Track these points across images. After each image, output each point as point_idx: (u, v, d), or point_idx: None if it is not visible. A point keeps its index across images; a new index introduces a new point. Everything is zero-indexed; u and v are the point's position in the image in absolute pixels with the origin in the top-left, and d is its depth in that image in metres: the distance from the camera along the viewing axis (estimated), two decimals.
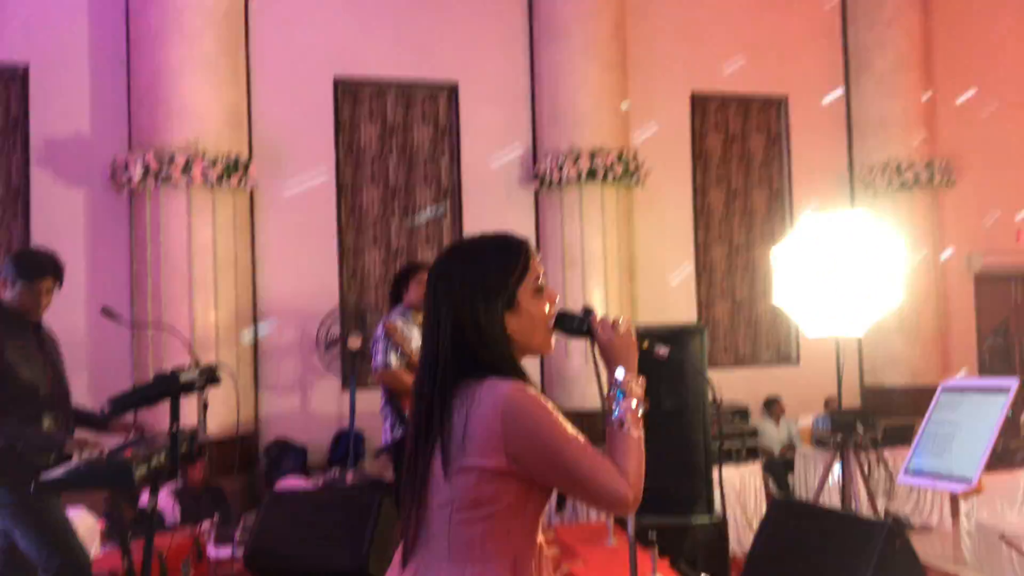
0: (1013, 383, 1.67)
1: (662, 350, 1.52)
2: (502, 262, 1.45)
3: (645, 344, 1.50)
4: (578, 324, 1.49)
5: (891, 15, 8.33)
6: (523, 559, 1.39)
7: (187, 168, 6.06)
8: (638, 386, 1.44)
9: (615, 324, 1.48)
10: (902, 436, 6.70)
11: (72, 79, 6.60)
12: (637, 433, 1.40)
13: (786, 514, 3.37)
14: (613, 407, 1.42)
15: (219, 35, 6.39)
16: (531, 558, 1.41)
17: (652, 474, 3.52)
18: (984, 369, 9.10)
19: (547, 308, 1.48)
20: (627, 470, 1.36)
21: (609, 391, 1.45)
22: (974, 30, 9.09)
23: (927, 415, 1.86)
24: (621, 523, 4.23)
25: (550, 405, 1.38)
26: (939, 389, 1.91)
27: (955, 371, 8.50)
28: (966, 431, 1.70)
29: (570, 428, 1.37)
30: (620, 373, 1.45)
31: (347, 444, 6.18)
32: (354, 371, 6.21)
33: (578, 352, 6.97)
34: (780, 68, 8.50)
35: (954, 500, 6.34)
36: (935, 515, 6.56)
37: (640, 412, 1.42)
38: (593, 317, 1.49)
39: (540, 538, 1.46)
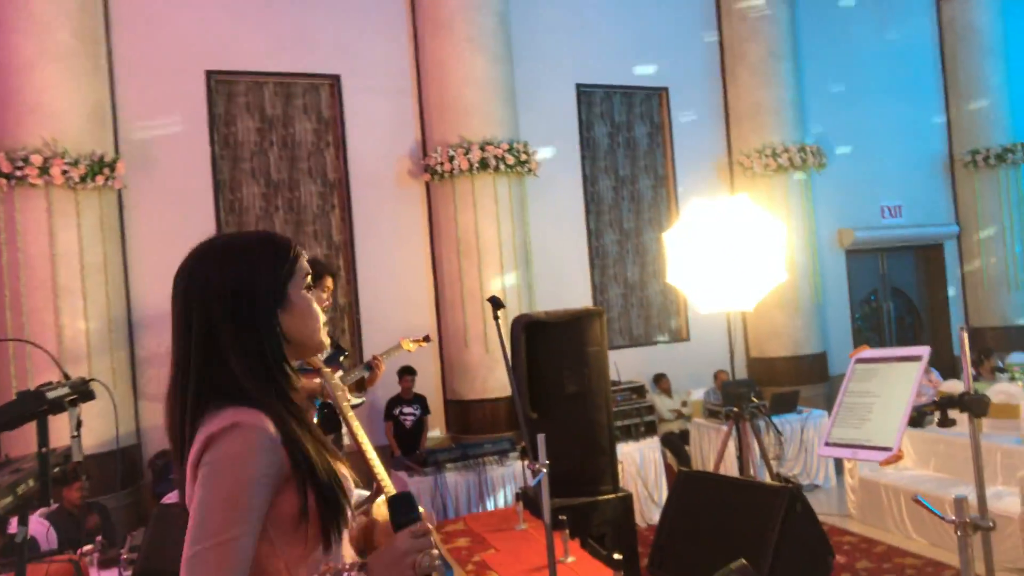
0: (925, 351, 1.74)
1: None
2: (271, 260, 1.32)
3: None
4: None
5: (763, 9, 8.72)
6: None
7: (45, 168, 5.59)
8: None
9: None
10: (788, 403, 7.09)
11: None
12: None
13: (692, 484, 3.45)
14: None
15: (75, 26, 5.91)
16: None
17: (560, 457, 3.51)
18: (858, 337, 9.74)
19: (318, 305, 1.38)
20: None
21: None
22: (837, 25, 9.71)
23: (843, 387, 1.90)
24: (530, 507, 4.22)
25: (261, 464, 1.18)
26: (852, 361, 1.96)
27: (832, 341, 9.05)
28: (883, 400, 1.74)
29: (244, 510, 1.17)
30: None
31: None
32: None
33: (477, 342, 6.93)
34: (660, 60, 8.75)
35: (839, 460, 6.75)
36: (821, 475, 6.97)
37: None
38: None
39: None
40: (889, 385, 1.77)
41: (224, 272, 1.30)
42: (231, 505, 1.17)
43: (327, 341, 1.40)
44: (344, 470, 1.36)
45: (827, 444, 1.84)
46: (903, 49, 10.15)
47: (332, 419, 3.05)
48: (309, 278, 1.36)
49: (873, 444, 1.72)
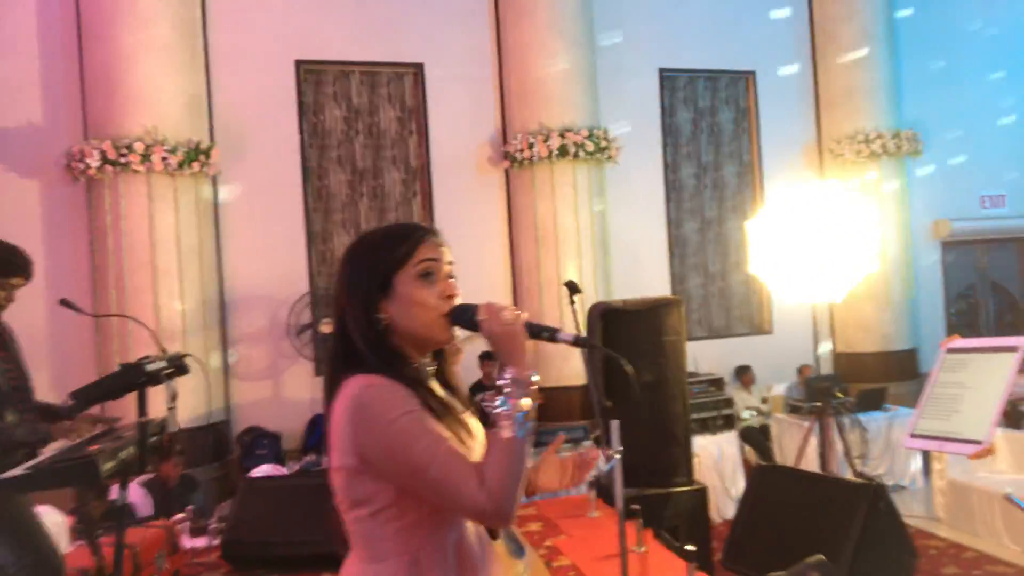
0: (1022, 341, 1.64)
1: (566, 337, 1.35)
2: (384, 248, 1.39)
3: (545, 335, 1.35)
4: (469, 316, 1.36)
5: None
6: (427, 560, 1.30)
7: (146, 156, 5.90)
8: (521, 386, 1.28)
9: (499, 314, 1.33)
10: (875, 401, 6.82)
11: (21, 68, 6.37)
12: (509, 434, 1.25)
13: (770, 479, 3.37)
14: (494, 405, 1.29)
15: (174, 19, 6.19)
16: (439, 559, 1.31)
17: (634, 446, 3.50)
18: (952, 334, 9.26)
19: (434, 296, 1.37)
20: (488, 477, 1.23)
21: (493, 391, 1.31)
22: (936, 1, 9.19)
23: (931, 377, 1.82)
24: (603, 495, 4.22)
25: (409, 402, 1.28)
26: (943, 350, 1.87)
27: (924, 337, 8.64)
28: (974, 391, 1.66)
29: (430, 426, 1.27)
30: (505, 373, 1.30)
31: (322, 430, 6.08)
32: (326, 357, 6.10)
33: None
34: (746, 42, 8.50)
35: (927, 460, 6.46)
36: (907, 475, 6.69)
37: (519, 414, 1.26)
38: (479, 308, 1.36)
39: (468, 537, 1.36)
40: (981, 376, 1.68)
41: (350, 259, 1.42)
42: (418, 428, 1.26)
43: (444, 336, 1.40)
44: (469, 441, 1.38)
45: (912, 436, 1.77)
46: (1009, 26, 9.52)
47: None
48: (430, 266, 1.38)
49: (962, 437, 1.64)
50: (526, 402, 1.28)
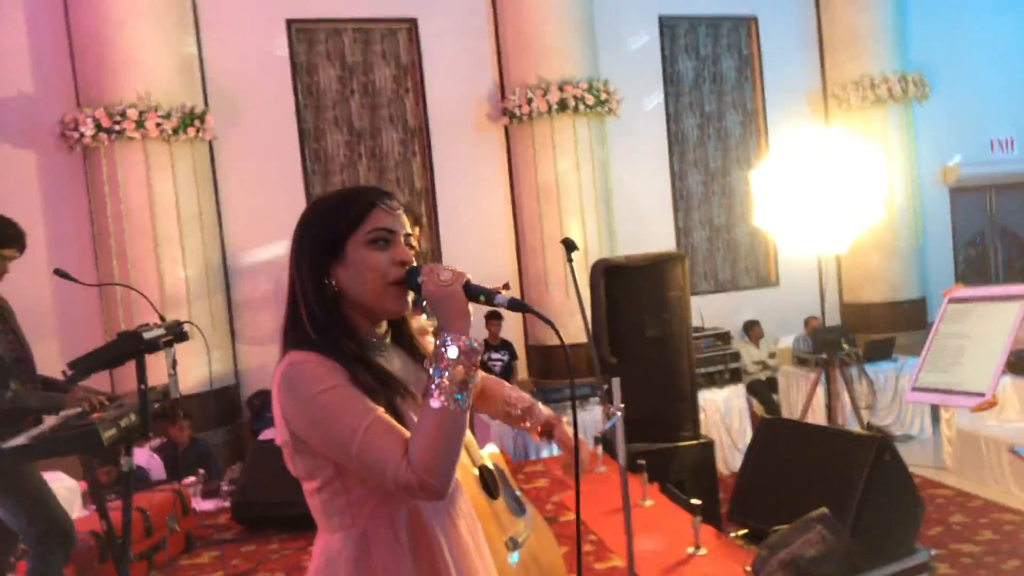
0: None
1: (501, 300, 1.27)
2: (335, 212, 1.32)
3: (482, 298, 1.27)
4: (415, 279, 1.28)
5: None
6: (375, 533, 1.27)
7: (141, 122, 5.82)
8: (455, 349, 1.19)
9: (438, 273, 1.25)
10: (883, 351, 6.80)
11: (8, 37, 6.25)
12: (437, 405, 1.17)
13: (775, 432, 3.37)
14: (429, 372, 1.21)
15: None
16: (388, 535, 1.27)
17: (639, 402, 3.48)
18: (962, 283, 9.18)
19: (385, 260, 1.30)
20: (412, 450, 1.16)
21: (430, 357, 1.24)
22: None
23: (933, 328, 1.76)
24: (609, 450, 4.23)
25: (334, 377, 1.22)
26: (945, 300, 1.81)
27: (932, 286, 8.58)
28: (977, 342, 1.60)
29: (354, 401, 1.20)
30: (440, 337, 1.23)
31: None
32: None
33: (558, 287, 6.91)
34: None
35: (935, 410, 6.46)
36: (916, 425, 6.70)
37: (452, 383, 1.18)
38: (423, 269, 1.28)
39: (421, 511, 1.30)
40: (984, 326, 1.63)
41: (301, 227, 1.36)
42: (340, 404, 1.21)
43: (395, 306, 1.34)
44: (412, 414, 1.34)
45: (914, 389, 1.73)
46: None
47: None
48: (383, 234, 1.31)
49: (964, 389, 1.60)
50: (460, 370, 1.19)
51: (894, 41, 8.20)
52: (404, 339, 1.44)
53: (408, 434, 1.20)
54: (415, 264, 1.33)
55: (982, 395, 1.55)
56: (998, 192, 9.38)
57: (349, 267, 1.30)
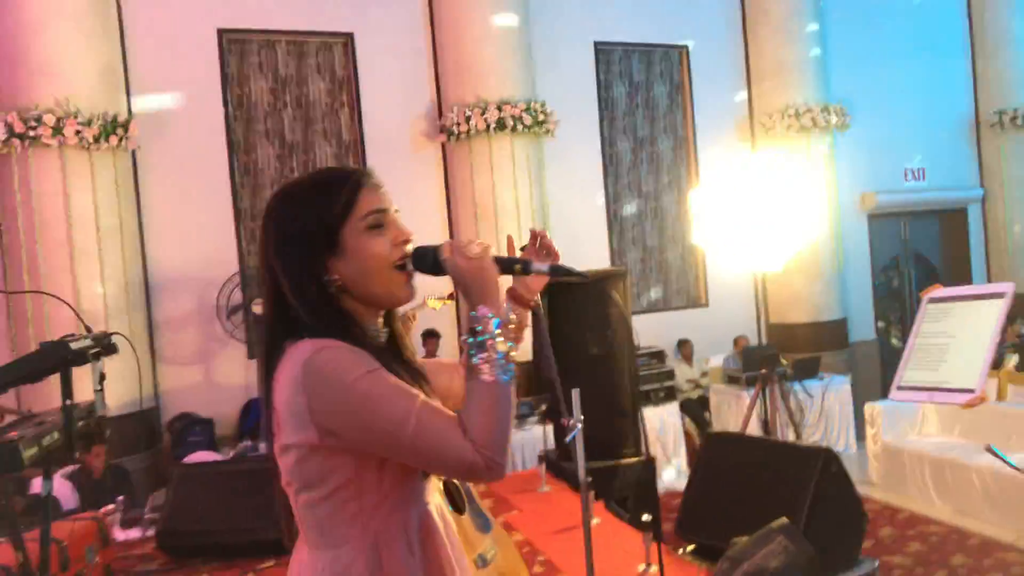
0: (1009, 288, 1.62)
1: (540, 267, 1.24)
2: (320, 201, 1.21)
3: (517, 268, 1.24)
4: (431, 258, 1.22)
5: None
6: (387, 543, 1.17)
7: (59, 128, 5.52)
8: (497, 321, 1.15)
9: (465, 248, 1.20)
10: (810, 369, 7.01)
11: None
12: (490, 378, 1.12)
13: (723, 446, 3.38)
14: (469, 351, 1.15)
15: None
16: (399, 541, 1.18)
17: (583, 419, 3.43)
18: (878, 304, 9.60)
19: (387, 244, 1.23)
20: (472, 426, 1.10)
21: (465, 334, 1.18)
22: None
23: (914, 328, 1.80)
24: (553, 470, 4.19)
25: (369, 361, 1.14)
26: (924, 301, 1.84)
27: (853, 307, 8.93)
28: (961, 340, 1.64)
29: (394, 383, 1.13)
30: (477, 312, 1.17)
31: (258, 414, 5.87)
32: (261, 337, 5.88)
33: None
34: (680, 16, 8.53)
35: (859, 426, 6.68)
36: (841, 441, 6.92)
37: (498, 355, 1.13)
38: (441, 246, 1.23)
39: (432, 513, 1.24)
40: (967, 324, 1.67)
41: (276, 217, 1.23)
42: (385, 387, 1.12)
43: (404, 293, 1.26)
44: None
45: (900, 388, 1.75)
46: (928, 4, 9.83)
47: None
48: (376, 215, 1.22)
49: (952, 386, 1.63)
50: (505, 344, 1.14)
51: (816, 74, 8.58)
52: (394, 335, 1.35)
53: (453, 415, 1.12)
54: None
55: (971, 391, 1.57)
56: (911, 219, 9.89)
57: (349, 258, 1.21)
